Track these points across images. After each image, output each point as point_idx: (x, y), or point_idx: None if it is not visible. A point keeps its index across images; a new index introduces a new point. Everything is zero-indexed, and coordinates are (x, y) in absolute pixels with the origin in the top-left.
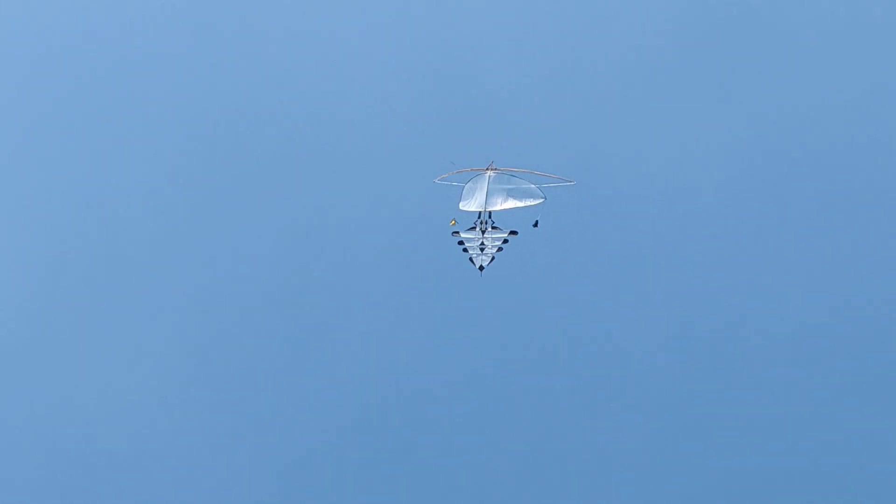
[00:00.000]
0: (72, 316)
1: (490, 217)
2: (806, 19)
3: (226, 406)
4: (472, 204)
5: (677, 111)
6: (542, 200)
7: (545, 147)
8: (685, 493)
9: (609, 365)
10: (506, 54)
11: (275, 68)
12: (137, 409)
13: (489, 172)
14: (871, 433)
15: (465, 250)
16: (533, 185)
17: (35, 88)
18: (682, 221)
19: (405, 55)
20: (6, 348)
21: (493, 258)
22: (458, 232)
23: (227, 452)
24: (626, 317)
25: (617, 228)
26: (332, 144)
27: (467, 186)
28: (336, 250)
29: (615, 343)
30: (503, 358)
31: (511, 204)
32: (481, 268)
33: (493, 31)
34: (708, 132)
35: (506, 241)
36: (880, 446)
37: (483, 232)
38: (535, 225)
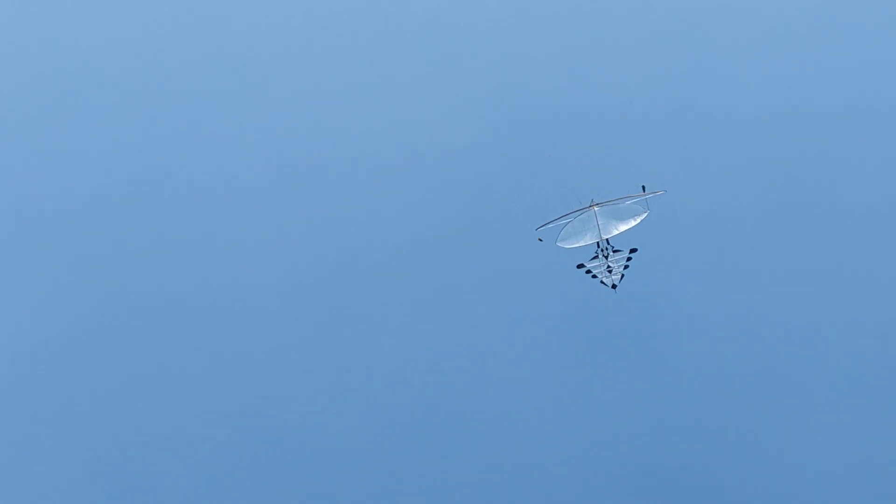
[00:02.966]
0: None
1: (608, 243)
2: None
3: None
4: (582, 240)
5: None
6: (646, 214)
7: (620, 172)
8: None
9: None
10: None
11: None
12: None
13: (594, 208)
14: None
15: (593, 277)
16: (633, 205)
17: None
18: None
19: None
20: None
21: (622, 275)
22: (582, 264)
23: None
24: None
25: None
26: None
27: (569, 227)
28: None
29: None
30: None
31: (624, 227)
32: (614, 286)
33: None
34: None
35: (629, 258)
36: None
37: (606, 257)
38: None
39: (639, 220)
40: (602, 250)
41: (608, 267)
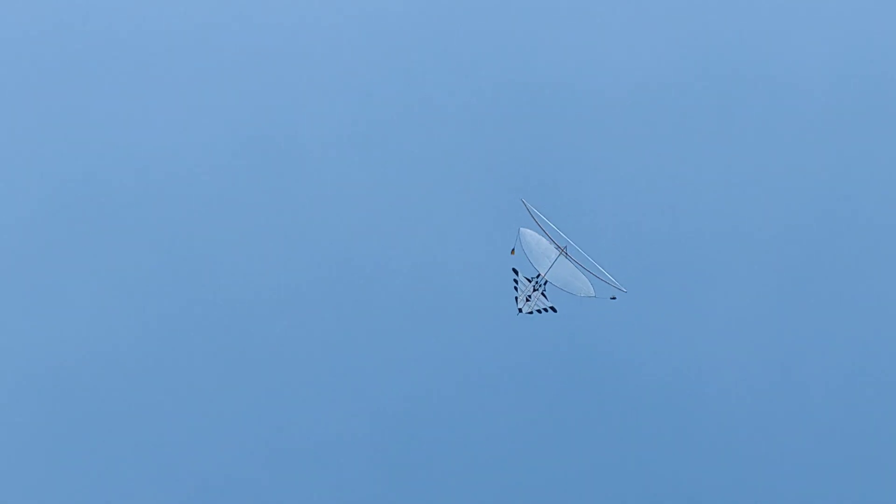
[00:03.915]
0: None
1: (544, 284)
2: None
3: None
4: (533, 261)
5: None
6: (591, 296)
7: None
8: None
9: None
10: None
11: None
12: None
13: (561, 255)
14: None
15: (515, 288)
16: (588, 279)
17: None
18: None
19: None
20: None
21: (531, 312)
22: (517, 270)
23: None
24: None
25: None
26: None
27: (538, 244)
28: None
29: None
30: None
31: (565, 286)
32: (520, 310)
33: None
34: None
35: (546, 310)
36: None
37: (534, 290)
38: (613, 298)
39: (580, 294)
40: (535, 283)
41: (528, 297)
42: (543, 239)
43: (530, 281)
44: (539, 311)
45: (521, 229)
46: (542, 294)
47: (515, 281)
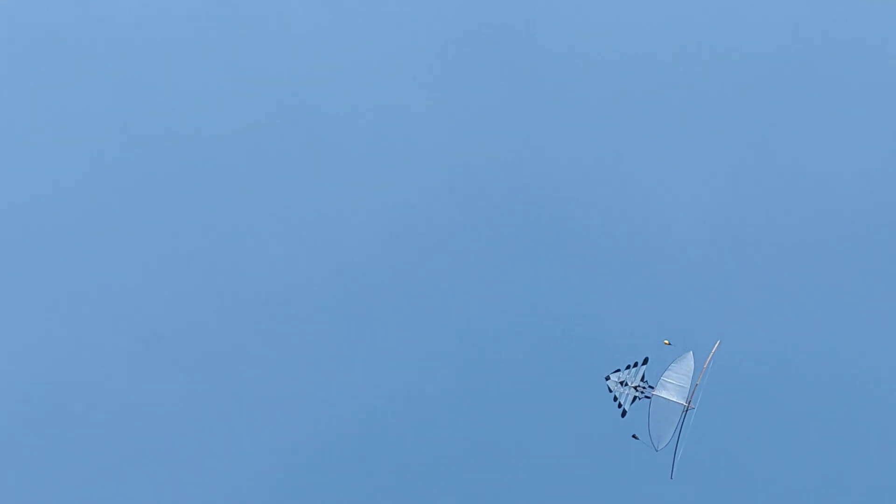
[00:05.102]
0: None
1: (644, 381)
2: None
3: None
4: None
5: None
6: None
7: None
8: None
9: None
10: None
11: None
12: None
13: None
14: None
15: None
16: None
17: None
18: None
19: None
20: None
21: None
22: (609, 377)
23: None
24: None
25: None
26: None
27: (683, 375)
28: None
29: None
30: None
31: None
32: (624, 412)
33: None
34: None
35: (642, 391)
36: None
37: (634, 386)
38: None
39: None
40: (639, 386)
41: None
42: (690, 377)
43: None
44: (636, 397)
45: (691, 353)
46: (641, 387)
47: (608, 379)
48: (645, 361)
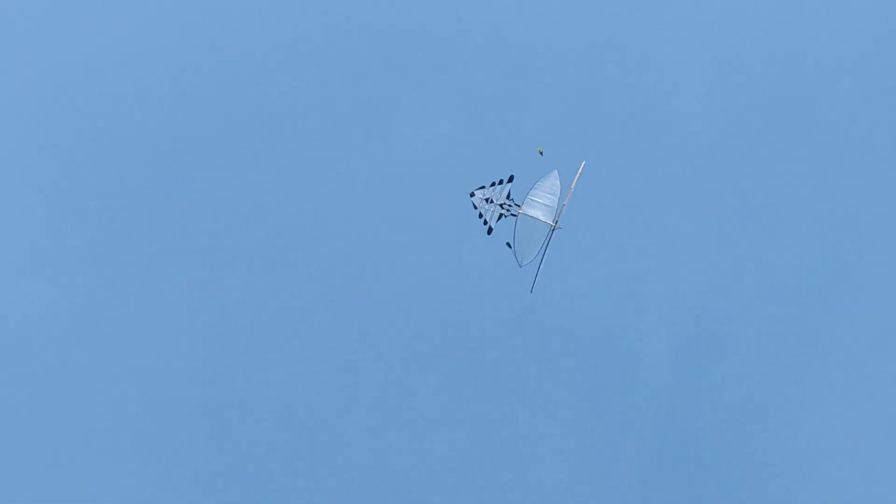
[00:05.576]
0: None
1: (510, 198)
2: None
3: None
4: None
5: None
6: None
7: None
8: None
9: None
10: None
11: None
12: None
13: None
14: None
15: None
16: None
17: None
18: None
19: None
20: None
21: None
22: (473, 193)
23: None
24: None
25: None
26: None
27: (548, 193)
28: None
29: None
30: None
31: (533, 211)
32: (490, 229)
33: None
34: None
35: (509, 210)
36: None
37: (500, 205)
38: (540, 152)
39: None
40: (505, 204)
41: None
42: (557, 197)
43: (490, 201)
44: (504, 213)
45: (556, 171)
46: (506, 204)
47: (474, 205)
48: (510, 179)
